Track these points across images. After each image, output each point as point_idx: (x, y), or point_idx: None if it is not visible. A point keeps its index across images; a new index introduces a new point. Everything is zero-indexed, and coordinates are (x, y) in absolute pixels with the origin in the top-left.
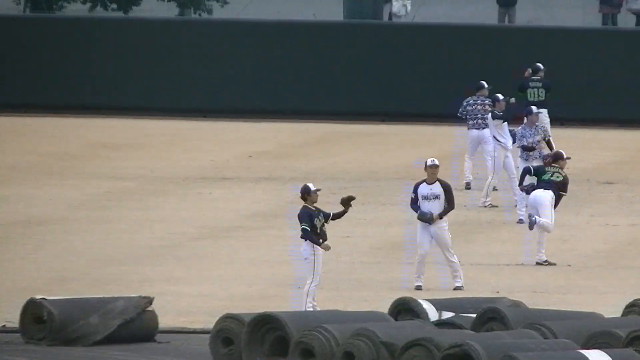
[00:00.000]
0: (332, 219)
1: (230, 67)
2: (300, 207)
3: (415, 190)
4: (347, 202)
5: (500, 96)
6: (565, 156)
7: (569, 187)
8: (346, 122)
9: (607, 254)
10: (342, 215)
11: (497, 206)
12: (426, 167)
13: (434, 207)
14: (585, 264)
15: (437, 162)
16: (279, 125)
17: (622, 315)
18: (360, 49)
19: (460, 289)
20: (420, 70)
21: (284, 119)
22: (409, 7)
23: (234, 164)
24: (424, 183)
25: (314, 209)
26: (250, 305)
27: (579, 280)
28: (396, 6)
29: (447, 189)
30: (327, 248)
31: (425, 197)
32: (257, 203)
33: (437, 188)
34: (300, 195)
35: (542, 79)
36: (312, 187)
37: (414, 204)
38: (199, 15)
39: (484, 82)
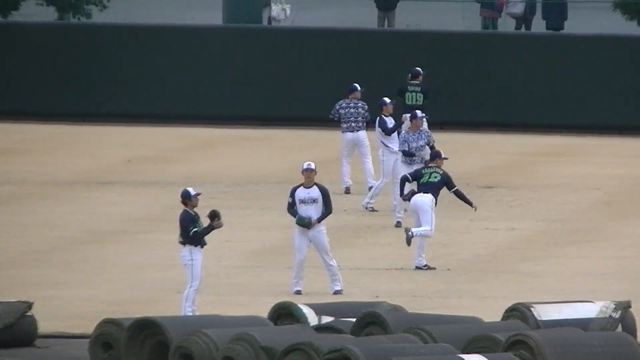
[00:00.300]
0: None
1: (113, 71)
2: (181, 211)
3: (292, 195)
4: (212, 217)
5: (387, 100)
6: (442, 155)
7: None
8: (228, 127)
9: (487, 259)
10: (211, 230)
11: (377, 210)
12: (302, 170)
13: (312, 211)
14: (465, 269)
15: (313, 166)
16: (160, 130)
17: (502, 320)
18: (241, 53)
19: (340, 293)
20: (301, 74)
21: (164, 123)
22: (288, 11)
23: (115, 168)
24: (301, 187)
25: (193, 213)
26: (132, 309)
27: (459, 285)
28: (275, 10)
29: (324, 193)
30: (219, 225)
31: (303, 201)
32: (139, 207)
33: (314, 192)
34: (180, 199)
35: (420, 83)
36: (192, 191)
37: (291, 208)
38: (78, 19)
39: (357, 85)
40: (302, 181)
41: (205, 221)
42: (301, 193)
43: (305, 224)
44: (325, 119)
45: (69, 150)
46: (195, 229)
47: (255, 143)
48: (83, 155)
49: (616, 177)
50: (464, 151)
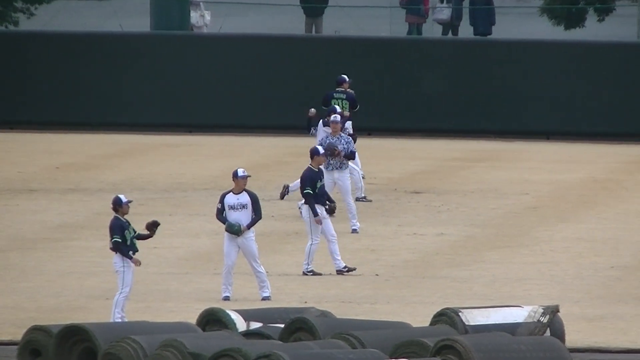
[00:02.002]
0: (136, 239)
1: (40, 79)
2: (112, 217)
3: (221, 201)
4: (151, 226)
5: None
6: (321, 151)
7: (378, 196)
8: (155, 134)
9: (415, 264)
10: (146, 238)
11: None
12: (237, 178)
13: (241, 217)
14: (393, 274)
15: (247, 174)
16: (86, 137)
17: (430, 325)
18: (167, 60)
19: (268, 299)
20: (228, 81)
21: (91, 130)
22: (207, 17)
23: (41, 176)
24: (231, 193)
25: (124, 220)
26: (59, 317)
27: (387, 290)
28: (194, 17)
29: (254, 199)
30: (138, 263)
31: (232, 207)
32: (64, 214)
33: (244, 198)
34: (111, 206)
35: (346, 90)
36: (123, 198)
37: (220, 214)
38: (6, 27)
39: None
40: (232, 187)
41: (137, 228)
42: (230, 199)
43: (234, 230)
44: (249, 126)
45: None
46: (117, 239)
47: (182, 150)
48: (6, 163)
49: (544, 182)
50: (391, 157)
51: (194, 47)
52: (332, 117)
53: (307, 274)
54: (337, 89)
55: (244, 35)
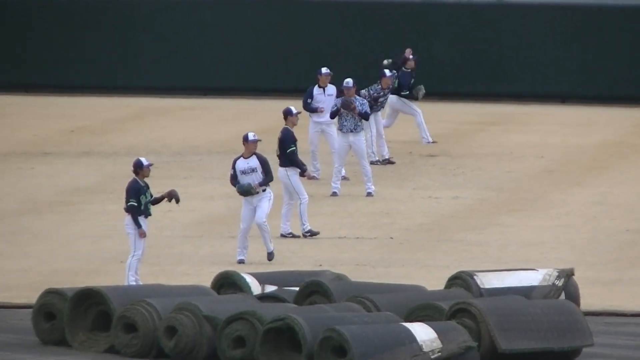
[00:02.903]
0: (151, 203)
1: (55, 42)
2: (130, 179)
3: (233, 166)
4: (171, 197)
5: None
6: (294, 111)
7: (394, 159)
8: (170, 97)
9: (430, 227)
10: (159, 202)
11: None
12: (247, 142)
13: (253, 180)
14: (408, 237)
15: (257, 137)
16: (100, 100)
17: (445, 288)
18: (179, 22)
19: (271, 257)
20: (230, 43)
21: (105, 93)
22: None
23: (55, 139)
24: (241, 158)
25: (143, 184)
26: (72, 280)
27: (401, 253)
28: None
29: (263, 162)
30: (143, 235)
31: (243, 172)
32: (79, 178)
33: (253, 161)
34: (132, 169)
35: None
36: (144, 161)
37: (234, 179)
38: None
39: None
40: (243, 152)
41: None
42: (241, 164)
43: (244, 190)
44: (262, 89)
45: (7, 122)
46: (133, 202)
47: (197, 113)
48: (22, 126)
49: (559, 146)
50: (406, 120)
51: (208, 9)
52: (345, 83)
53: (305, 236)
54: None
55: None
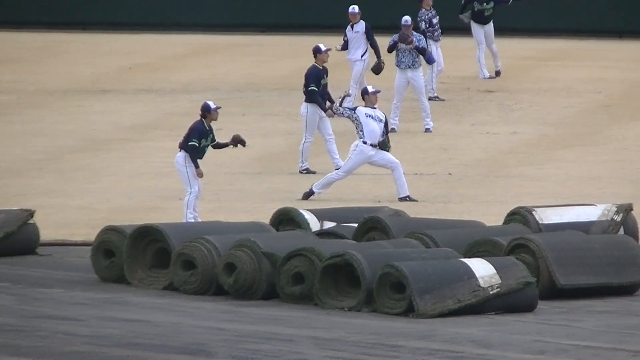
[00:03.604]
0: (215, 147)
1: None
2: (196, 120)
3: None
4: (236, 142)
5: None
6: (323, 49)
7: (450, 95)
8: (226, 34)
9: (488, 163)
10: (224, 147)
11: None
12: (371, 94)
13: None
14: (466, 173)
15: (379, 90)
16: (158, 37)
17: (504, 224)
18: None
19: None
20: None
21: (162, 30)
22: None
23: (113, 77)
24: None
25: (208, 127)
26: (131, 217)
27: (460, 189)
28: None
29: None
30: (200, 175)
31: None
32: (136, 115)
33: (379, 113)
34: (200, 112)
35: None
36: (212, 104)
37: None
38: None
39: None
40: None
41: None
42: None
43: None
44: (319, 25)
45: (65, 59)
46: (194, 143)
47: (254, 50)
48: (79, 63)
49: (617, 81)
50: (462, 56)
51: None
52: (403, 21)
53: (302, 172)
54: None
55: None
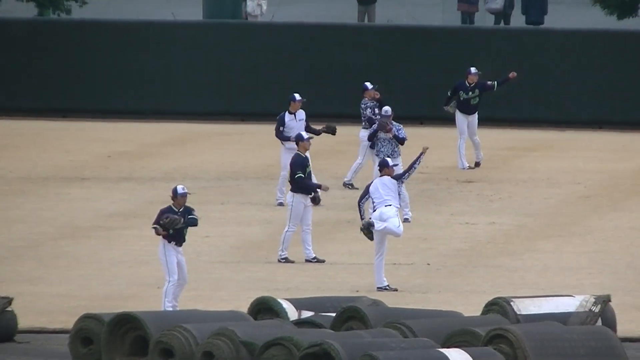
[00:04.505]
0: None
1: (90, 68)
2: (165, 206)
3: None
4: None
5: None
6: (305, 137)
7: (430, 185)
8: (207, 122)
9: (467, 253)
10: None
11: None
12: (387, 168)
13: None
14: (445, 263)
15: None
16: (139, 125)
17: (482, 314)
18: (220, 48)
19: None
20: (279, 69)
21: (143, 119)
22: (264, 7)
23: (93, 164)
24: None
25: (177, 211)
26: (111, 305)
27: (438, 279)
28: (250, 6)
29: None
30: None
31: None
32: (116, 203)
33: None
34: (170, 195)
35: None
36: (180, 189)
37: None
38: (58, 15)
39: (367, 84)
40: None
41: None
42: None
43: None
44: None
45: (45, 147)
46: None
47: (234, 138)
48: (59, 151)
49: (596, 172)
50: (442, 146)
51: (246, 35)
52: (384, 111)
53: (280, 262)
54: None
55: (296, 23)
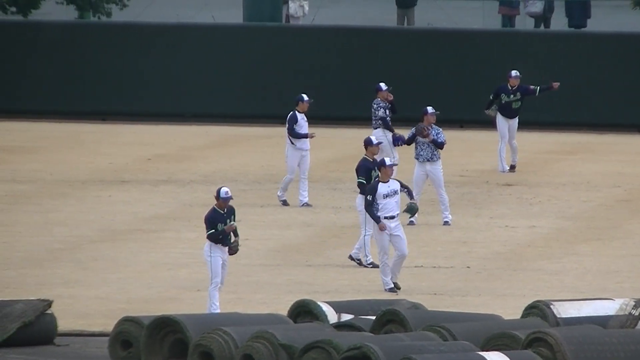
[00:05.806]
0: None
1: (130, 71)
2: (209, 209)
3: (373, 192)
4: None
5: (304, 96)
6: (374, 142)
7: (470, 188)
8: (247, 125)
9: (506, 256)
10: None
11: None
12: (384, 167)
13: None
14: (485, 266)
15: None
16: (178, 128)
17: (522, 317)
18: (260, 51)
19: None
20: (320, 72)
21: (183, 122)
22: (306, 8)
23: (132, 167)
24: (380, 183)
25: (223, 212)
26: (149, 307)
27: (478, 282)
28: (293, 7)
29: (401, 184)
30: (232, 252)
31: (387, 195)
32: (156, 206)
33: (394, 184)
34: (214, 195)
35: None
36: (223, 192)
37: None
38: (98, 18)
39: (382, 84)
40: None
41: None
42: (383, 188)
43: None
44: (340, 117)
45: (84, 150)
46: (213, 231)
47: (273, 141)
48: (98, 154)
49: (636, 175)
50: (483, 149)
51: (285, 38)
52: (429, 109)
53: (367, 266)
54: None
55: (335, 26)
